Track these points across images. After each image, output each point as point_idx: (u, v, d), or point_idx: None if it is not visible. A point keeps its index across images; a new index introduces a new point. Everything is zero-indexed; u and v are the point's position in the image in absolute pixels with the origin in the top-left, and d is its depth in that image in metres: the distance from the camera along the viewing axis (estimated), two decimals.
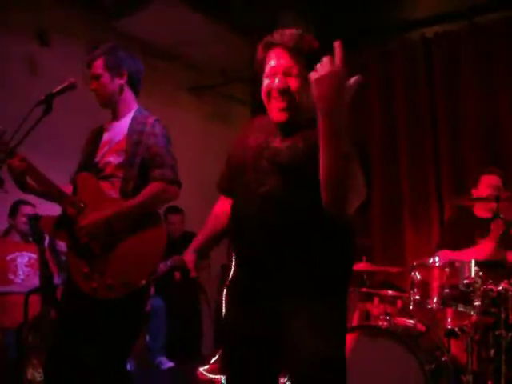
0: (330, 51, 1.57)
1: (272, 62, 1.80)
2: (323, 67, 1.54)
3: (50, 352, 2.45)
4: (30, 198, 3.68)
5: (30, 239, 3.89)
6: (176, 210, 4.96)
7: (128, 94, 2.59)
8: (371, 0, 5.01)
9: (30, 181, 2.45)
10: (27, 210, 3.92)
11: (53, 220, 2.47)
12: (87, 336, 2.34)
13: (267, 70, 1.82)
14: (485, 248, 3.27)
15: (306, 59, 1.77)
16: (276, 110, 1.81)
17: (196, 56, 5.44)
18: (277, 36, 1.81)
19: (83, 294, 2.36)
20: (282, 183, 1.76)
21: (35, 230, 3.42)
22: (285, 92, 1.78)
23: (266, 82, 1.81)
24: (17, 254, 3.96)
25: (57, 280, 3.88)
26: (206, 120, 5.97)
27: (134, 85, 2.61)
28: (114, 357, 2.36)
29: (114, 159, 2.47)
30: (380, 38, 5.28)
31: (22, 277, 3.91)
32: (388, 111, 5.21)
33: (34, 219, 3.43)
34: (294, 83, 1.77)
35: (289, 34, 1.81)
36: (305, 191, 1.71)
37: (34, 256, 3.88)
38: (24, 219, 3.88)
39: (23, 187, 2.44)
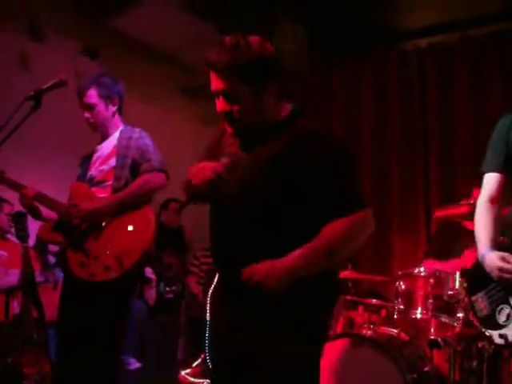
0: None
1: (211, 84, 1.72)
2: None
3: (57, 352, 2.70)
4: (8, 196, 3.68)
5: (8, 236, 3.82)
6: (177, 200, 5.00)
7: (117, 117, 2.81)
8: (365, 10, 5.02)
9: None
10: (8, 208, 3.85)
11: (49, 226, 2.68)
12: (86, 327, 2.48)
13: (212, 91, 1.74)
14: (471, 258, 3.27)
15: (241, 72, 1.65)
16: (227, 126, 1.77)
17: (189, 58, 5.43)
18: (208, 55, 1.69)
19: (83, 284, 2.52)
20: (243, 198, 1.72)
21: (20, 228, 3.38)
22: (227, 114, 1.72)
23: None
24: None
25: (38, 277, 3.81)
26: (200, 123, 5.93)
27: (121, 107, 2.83)
28: (110, 341, 2.52)
29: (105, 166, 2.69)
30: (373, 47, 5.29)
31: None
32: (380, 122, 5.22)
33: (19, 217, 3.39)
34: (234, 104, 1.69)
35: (217, 52, 1.66)
36: (261, 207, 1.68)
37: (5, 254, 3.78)
38: (5, 217, 3.80)
39: (36, 214, 2.69)
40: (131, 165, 2.65)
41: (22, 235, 3.41)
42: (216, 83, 1.69)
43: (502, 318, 2.02)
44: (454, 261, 3.46)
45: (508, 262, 2.03)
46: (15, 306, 3.51)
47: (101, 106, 2.73)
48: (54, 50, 4.55)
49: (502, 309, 2.04)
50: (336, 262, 1.66)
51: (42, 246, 4.10)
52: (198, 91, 5.83)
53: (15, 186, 2.70)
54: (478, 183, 3.67)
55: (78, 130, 4.35)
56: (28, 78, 4.30)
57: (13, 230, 3.60)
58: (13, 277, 3.63)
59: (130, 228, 2.54)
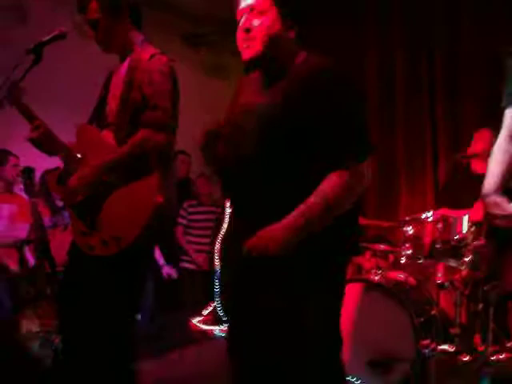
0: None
1: (240, 5, 1.73)
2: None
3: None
4: (13, 149, 3.66)
5: (15, 190, 3.80)
6: (186, 153, 4.89)
7: (132, 31, 2.30)
8: None
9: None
10: (13, 160, 3.79)
11: (55, 177, 2.34)
12: (87, 299, 2.19)
13: (237, 15, 1.75)
14: (480, 208, 3.26)
15: None
16: (242, 49, 1.73)
17: (191, 5, 5.29)
18: None
19: (83, 254, 2.23)
20: (266, 141, 1.68)
21: (29, 183, 3.38)
22: (249, 30, 1.69)
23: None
24: None
25: (48, 221, 3.73)
26: (202, 73, 5.80)
27: (136, 18, 2.32)
28: (112, 321, 2.16)
29: (113, 105, 2.27)
30: None
31: None
32: (385, 70, 5.17)
33: (28, 172, 3.39)
34: (260, 19, 1.69)
35: None
36: (285, 149, 1.66)
37: (14, 208, 3.75)
38: (14, 169, 3.73)
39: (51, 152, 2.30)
40: (132, 107, 2.17)
41: (31, 190, 3.42)
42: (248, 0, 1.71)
43: None
44: (466, 211, 3.44)
45: (502, 209, 1.88)
46: (29, 259, 3.56)
47: (105, 21, 2.23)
48: (51, 2, 4.44)
49: None
50: (335, 215, 1.63)
51: (47, 190, 4.04)
52: (199, 38, 5.69)
53: (29, 117, 2.29)
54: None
55: (79, 83, 4.29)
56: (26, 31, 4.21)
57: (21, 185, 3.60)
58: (21, 231, 3.65)
59: (130, 201, 2.13)
